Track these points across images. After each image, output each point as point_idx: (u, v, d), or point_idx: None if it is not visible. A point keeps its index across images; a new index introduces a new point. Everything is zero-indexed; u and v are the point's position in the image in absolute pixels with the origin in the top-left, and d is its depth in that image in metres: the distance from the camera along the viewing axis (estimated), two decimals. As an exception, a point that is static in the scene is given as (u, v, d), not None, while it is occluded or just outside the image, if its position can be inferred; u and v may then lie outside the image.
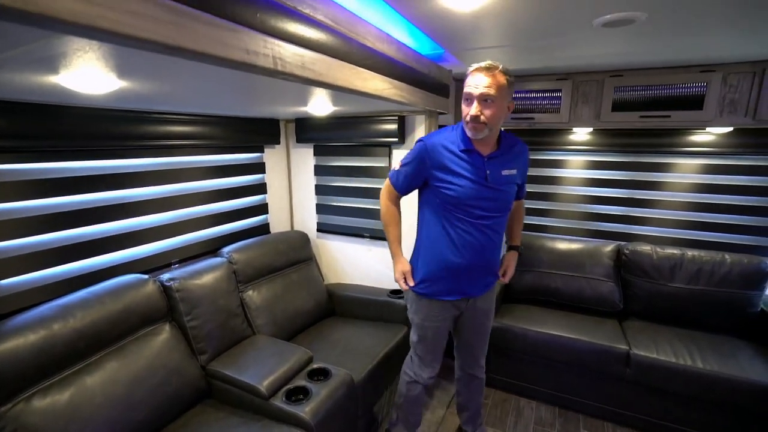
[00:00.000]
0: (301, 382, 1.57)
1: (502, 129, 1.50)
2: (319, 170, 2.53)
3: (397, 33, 1.39)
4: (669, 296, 2.24)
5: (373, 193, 2.37)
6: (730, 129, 2.17)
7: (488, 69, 1.28)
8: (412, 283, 1.60)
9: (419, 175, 1.49)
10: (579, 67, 2.10)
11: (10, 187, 1.34)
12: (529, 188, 2.80)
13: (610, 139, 2.51)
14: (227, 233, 2.22)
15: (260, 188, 2.43)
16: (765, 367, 1.85)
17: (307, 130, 2.42)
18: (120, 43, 0.63)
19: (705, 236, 2.44)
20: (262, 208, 2.46)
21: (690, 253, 2.26)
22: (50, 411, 1.19)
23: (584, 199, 2.71)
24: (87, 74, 0.91)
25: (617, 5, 1.14)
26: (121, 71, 0.93)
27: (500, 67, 1.30)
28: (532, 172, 2.73)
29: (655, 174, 2.51)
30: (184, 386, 1.54)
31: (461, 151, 1.41)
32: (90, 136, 1.50)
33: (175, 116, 1.79)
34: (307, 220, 2.65)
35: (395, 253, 1.65)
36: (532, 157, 2.81)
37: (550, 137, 2.65)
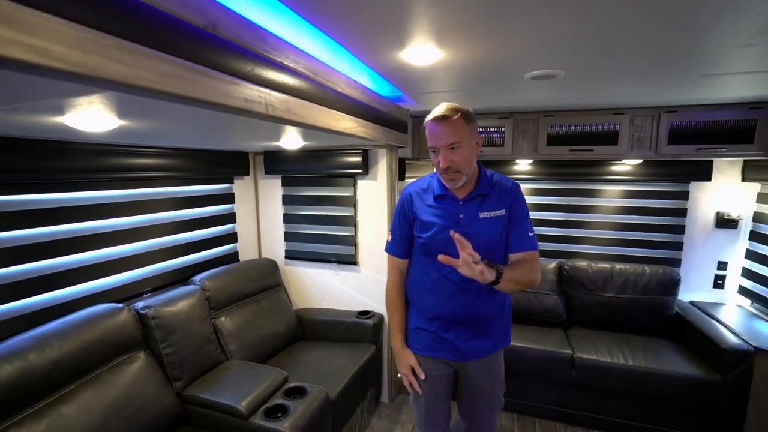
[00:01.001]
0: (278, 400, 1.64)
1: (482, 167, 1.37)
2: (287, 200, 2.65)
3: (363, 79, 1.61)
4: (604, 305, 2.55)
5: (340, 221, 2.52)
6: (641, 160, 2.59)
7: (444, 118, 1.21)
8: (422, 376, 1.40)
9: (406, 227, 1.42)
10: (518, 107, 2.44)
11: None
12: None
13: (548, 168, 2.87)
14: (197, 262, 2.26)
15: (230, 218, 2.51)
16: (683, 361, 2.16)
17: (275, 162, 2.55)
18: (150, 96, 0.77)
19: (629, 252, 2.82)
20: (231, 237, 2.52)
21: (618, 266, 2.60)
22: (29, 441, 1.18)
23: (529, 222, 3.03)
24: (94, 116, 1.02)
25: (542, 65, 1.43)
26: (124, 113, 1.05)
27: (457, 112, 1.21)
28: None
29: (586, 199, 2.89)
30: (161, 414, 1.55)
31: (435, 197, 1.35)
32: (61, 170, 1.54)
33: (147, 149, 1.86)
34: (276, 248, 2.73)
35: (395, 344, 1.46)
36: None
37: (497, 168, 2.95)
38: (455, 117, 1.21)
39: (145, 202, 1.95)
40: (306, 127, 1.26)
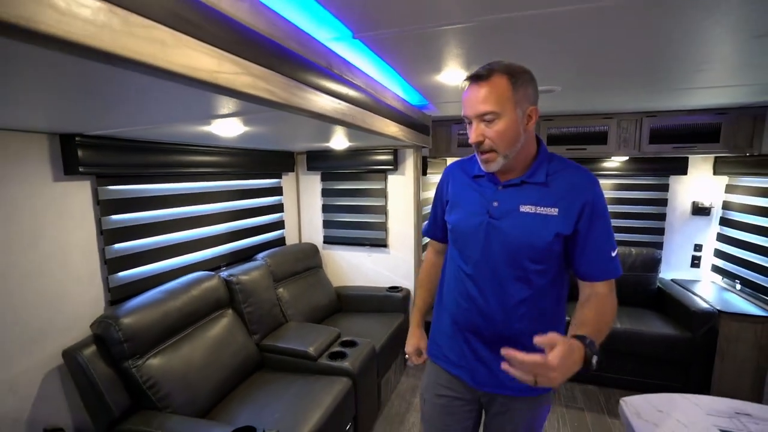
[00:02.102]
0: (336, 348, 2.07)
1: (543, 148, 1.02)
2: (325, 192, 3.10)
3: (400, 90, 2.04)
4: (596, 281, 2.99)
5: (372, 210, 2.96)
6: (627, 158, 3.03)
7: (479, 78, 0.92)
8: (422, 359, 1.28)
9: (439, 208, 1.22)
10: (522, 113, 2.87)
11: (117, 203, 1.77)
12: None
13: (547, 165, 3.31)
14: (255, 244, 2.69)
15: (279, 208, 2.94)
16: (661, 324, 2.60)
17: (316, 160, 2.99)
18: (276, 107, 1.19)
19: (618, 237, 3.25)
20: (279, 224, 2.96)
21: (608, 248, 3.04)
22: (167, 366, 1.60)
23: (531, 212, 3.47)
24: (231, 125, 1.45)
25: (542, 82, 1.86)
26: (249, 122, 1.47)
27: (497, 72, 0.91)
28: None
29: (581, 191, 3.33)
30: (248, 358, 1.98)
31: (474, 177, 1.08)
32: (170, 165, 1.96)
33: (221, 149, 2.27)
34: (314, 234, 3.16)
35: (412, 323, 1.33)
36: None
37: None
38: (494, 78, 0.90)
39: (218, 192, 2.37)
40: (365, 131, 1.69)
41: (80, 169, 1.46)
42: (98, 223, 1.63)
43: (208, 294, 1.93)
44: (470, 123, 0.96)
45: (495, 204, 1.01)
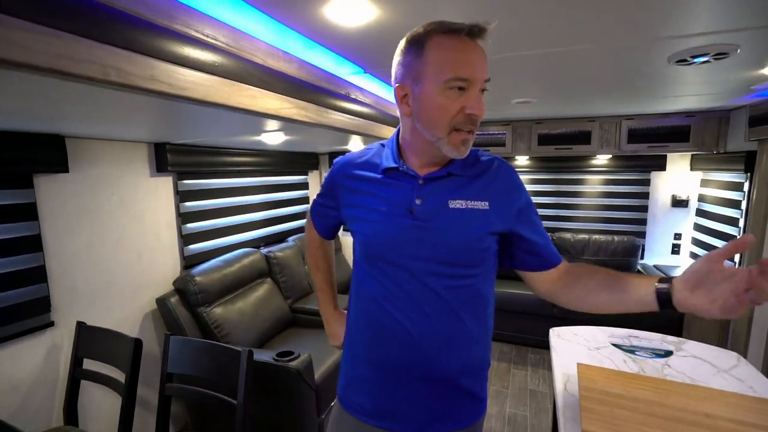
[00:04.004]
0: (353, 310, 2.57)
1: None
2: (344, 187, 3.62)
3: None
4: (582, 265, 3.39)
5: (384, 202, 3.45)
6: (609, 155, 3.42)
7: (483, 32, 0.74)
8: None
9: (334, 210, 1.00)
10: (515, 117, 3.30)
11: (189, 193, 2.33)
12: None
13: (541, 163, 3.72)
14: (286, 230, 3.23)
15: (305, 200, 3.48)
16: (635, 301, 2.99)
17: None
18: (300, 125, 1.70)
19: (605, 227, 3.64)
20: (304, 214, 3.49)
21: (594, 236, 3.44)
22: (227, 314, 2.15)
23: (528, 205, 3.88)
24: (277, 136, 1.97)
25: (520, 94, 2.30)
26: (289, 132, 1.99)
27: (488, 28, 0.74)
28: (491, 186, 3.88)
29: (572, 186, 3.72)
30: (284, 316, 2.52)
31: (384, 171, 0.88)
32: (227, 165, 2.52)
33: (259, 151, 2.81)
34: (335, 223, 3.70)
35: (322, 309, 1.18)
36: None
37: (502, 162, 3.84)
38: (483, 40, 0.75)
39: (259, 186, 2.91)
40: (374, 137, 2.17)
41: (168, 168, 2.02)
42: (177, 207, 2.19)
43: (254, 265, 2.48)
44: (463, 89, 0.74)
45: (418, 202, 0.83)
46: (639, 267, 3.34)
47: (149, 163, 2.01)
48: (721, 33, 1.24)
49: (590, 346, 1.44)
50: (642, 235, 3.52)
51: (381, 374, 0.88)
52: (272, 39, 1.21)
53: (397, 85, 0.81)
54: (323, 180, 1.02)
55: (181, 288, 2.04)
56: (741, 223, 2.68)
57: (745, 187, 2.63)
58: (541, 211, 3.85)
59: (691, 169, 3.35)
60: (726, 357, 1.39)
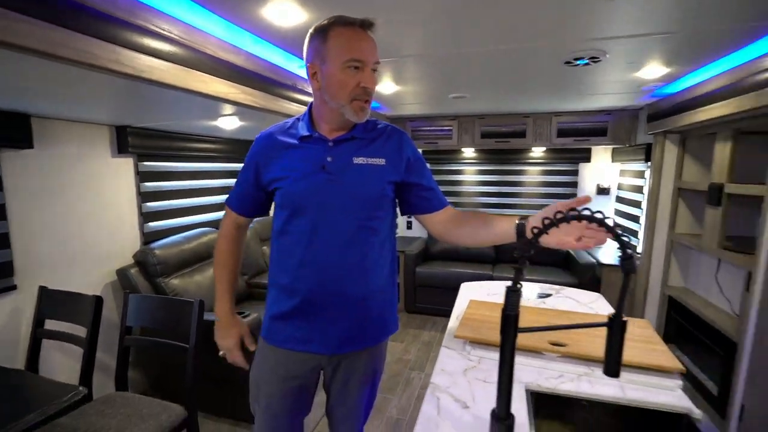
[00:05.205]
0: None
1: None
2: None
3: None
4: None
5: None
6: (544, 149, 3.82)
7: (371, 26, 0.98)
8: (252, 347, 1.20)
9: (256, 181, 1.11)
10: (461, 113, 3.63)
11: (149, 174, 2.48)
12: (442, 188, 4.26)
13: (486, 155, 4.08)
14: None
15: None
16: (562, 275, 3.39)
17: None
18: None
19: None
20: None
21: (529, 220, 3.83)
22: (185, 284, 2.32)
23: (474, 193, 4.24)
24: (232, 121, 2.17)
25: (455, 90, 2.60)
26: (243, 118, 2.19)
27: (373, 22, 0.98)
28: (444, 177, 4.23)
29: (514, 176, 4.11)
30: (241, 290, 2.71)
31: (301, 138, 1.07)
32: (186, 149, 2.68)
33: (213, 138, 2.99)
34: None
35: (219, 309, 1.21)
36: (440, 167, 4.33)
37: (449, 155, 4.17)
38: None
39: (215, 171, 3.08)
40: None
41: (129, 150, 2.18)
42: (138, 186, 2.34)
43: (212, 243, 2.64)
44: (361, 67, 0.96)
45: (329, 159, 1.03)
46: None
47: (111, 145, 2.16)
48: (594, 40, 1.56)
49: (490, 293, 1.76)
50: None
51: (303, 304, 1.04)
52: (222, 34, 1.43)
53: (308, 64, 1.01)
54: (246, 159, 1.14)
55: (140, 260, 2.20)
56: (643, 206, 3.13)
57: (646, 174, 3.07)
58: (486, 199, 4.21)
59: (612, 161, 3.80)
60: (589, 296, 1.76)
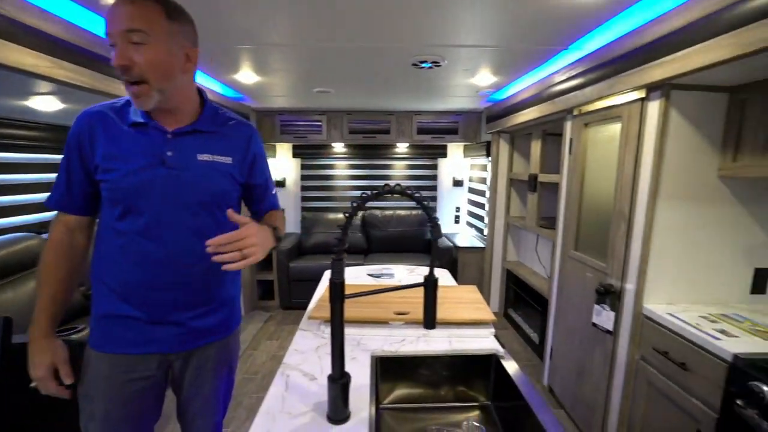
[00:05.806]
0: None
1: (206, 97, 1.03)
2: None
3: (218, 88, 2.59)
4: (390, 237, 4.04)
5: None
6: (407, 145, 4.16)
7: None
8: (68, 381, 0.96)
9: (83, 167, 0.95)
10: (330, 108, 3.70)
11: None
12: (314, 183, 4.30)
13: (356, 150, 4.24)
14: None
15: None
16: (425, 260, 3.74)
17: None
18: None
19: (405, 204, 4.39)
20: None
21: (397, 212, 4.13)
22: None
23: (346, 187, 4.38)
24: (51, 101, 1.82)
25: (319, 84, 2.64)
26: (67, 101, 1.86)
27: None
28: (316, 172, 4.25)
29: (382, 170, 4.37)
30: (74, 303, 2.30)
31: (132, 125, 0.94)
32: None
33: (42, 125, 2.47)
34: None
35: (35, 330, 0.94)
36: (312, 162, 4.35)
37: (320, 150, 4.23)
38: (146, 1, 0.84)
39: (37, 164, 2.54)
40: None
41: None
42: None
43: (31, 251, 2.20)
44: (115, 44, 0.83)
45: (169, 153, 0.94)
46: (428, 235, 4.17)
47: None
48: (434, 47, 1.77)
49: (351, 277, 1.87)
50: (434, 210, 4.39)
51: (136, 305, 0.95)
52: (26, -6, 1.19)
53: None
54: (66, 144, 0.95)
55: None
56: (487, 194, 3.67)
57: (488, 168, 3.61)
58: (356, 192, 4.39)
59: (464, 156, 4.34)
60: (437, 272, 2.01)
